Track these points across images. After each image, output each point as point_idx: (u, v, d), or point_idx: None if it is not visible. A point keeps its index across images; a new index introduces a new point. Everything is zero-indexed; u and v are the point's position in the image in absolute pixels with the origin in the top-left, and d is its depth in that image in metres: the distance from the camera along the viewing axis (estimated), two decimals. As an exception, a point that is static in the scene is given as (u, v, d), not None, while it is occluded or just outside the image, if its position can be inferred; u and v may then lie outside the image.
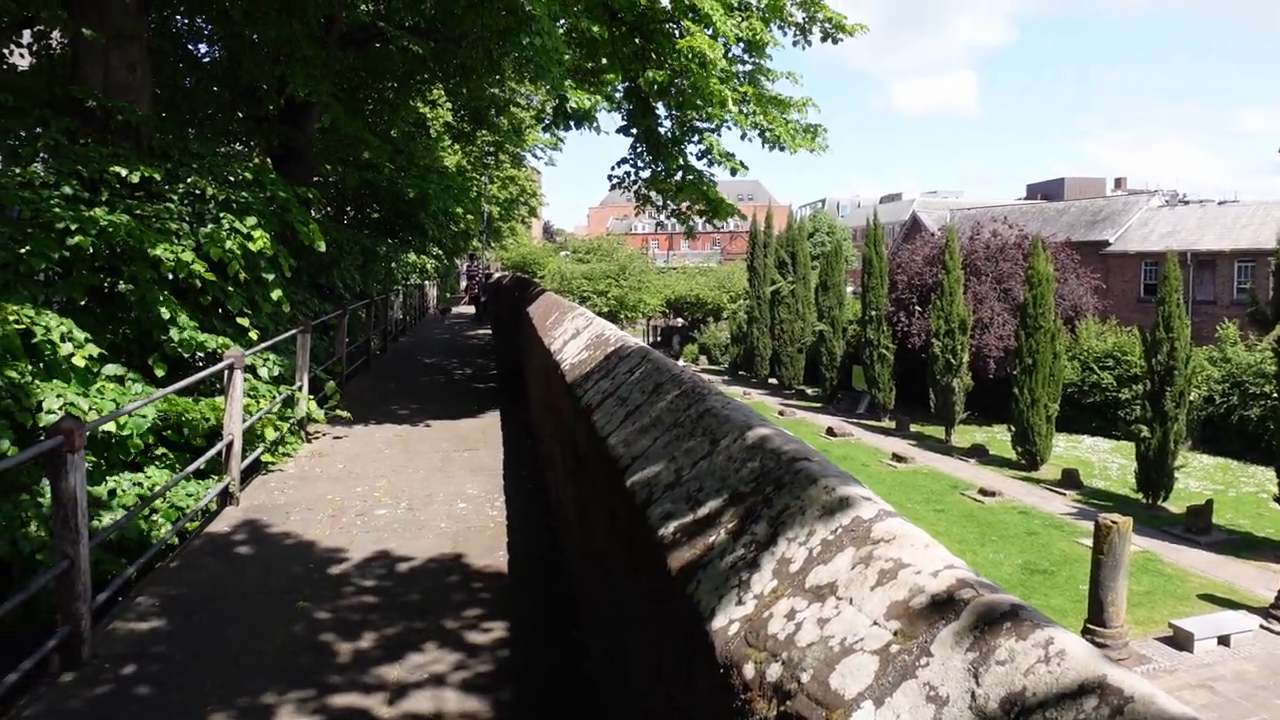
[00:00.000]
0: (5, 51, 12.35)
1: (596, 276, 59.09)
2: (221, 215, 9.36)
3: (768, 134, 11.31)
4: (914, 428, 41.18)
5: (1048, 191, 78.48)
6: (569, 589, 5.31)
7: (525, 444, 9.84)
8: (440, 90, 22.63)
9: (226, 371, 7.45)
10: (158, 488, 7.47)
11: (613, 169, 13.33)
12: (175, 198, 9.48)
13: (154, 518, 7.52)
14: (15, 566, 7.42)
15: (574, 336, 6.04)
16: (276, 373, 9.96)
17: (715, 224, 13.58)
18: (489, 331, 27.71)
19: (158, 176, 9.20)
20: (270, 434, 8.87)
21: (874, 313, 43.34)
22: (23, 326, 7.34)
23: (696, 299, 65.79)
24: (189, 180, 9.56)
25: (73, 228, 8.07)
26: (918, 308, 42.60)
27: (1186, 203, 50.07)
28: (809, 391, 51.08)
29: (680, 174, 12.61)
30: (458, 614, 5.28)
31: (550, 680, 4.48)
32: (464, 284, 53.48)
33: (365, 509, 7.50)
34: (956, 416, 39.58)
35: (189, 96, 16.12)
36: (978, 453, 35.92)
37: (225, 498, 7.55)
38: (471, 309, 40.71)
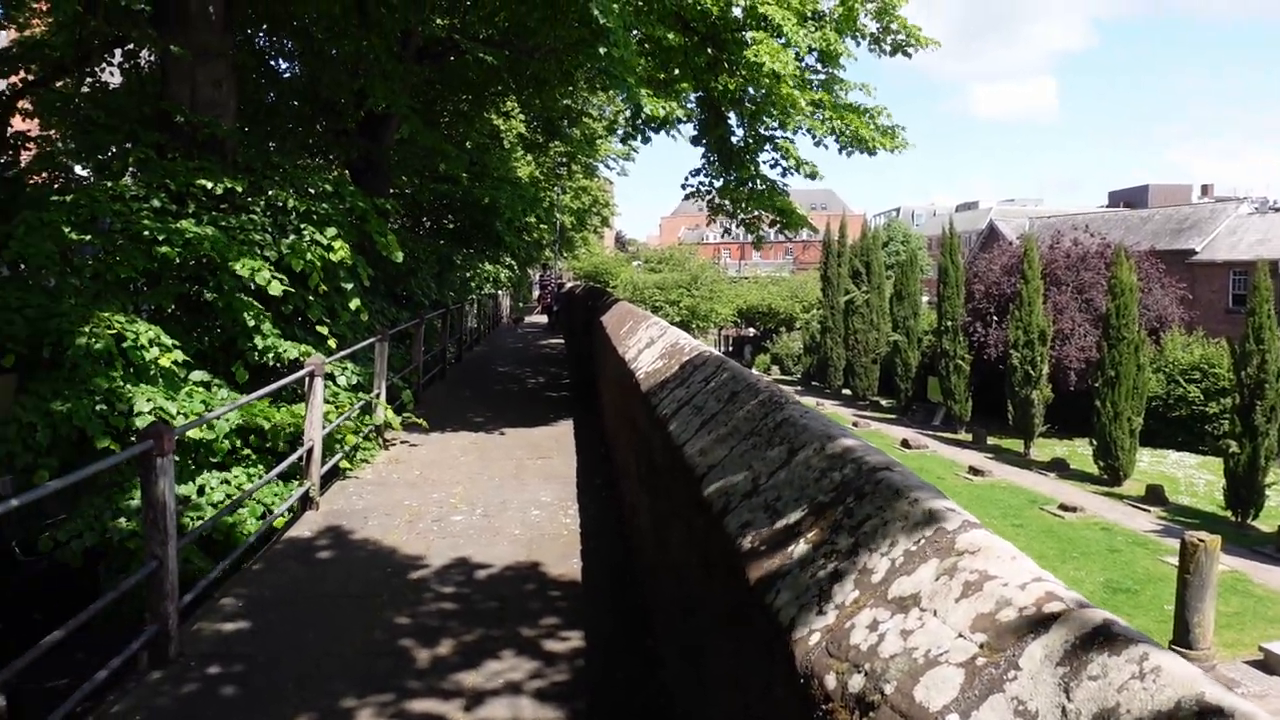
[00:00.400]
0: (98, 70, 12.83)
1: (669, 286, 59.03)
2: (302, 226, 9.59)
3: (845, 136, 11.21)
4: (991, 440, 40.40)
5: (1131, 199, 76.49)
6: (643, 597, 5.31)
7: (598, 452, 9.89)
8: (514, 102, 22.87)
9: (307, 379, 7.61)
10: (242, 490, 7.66)
11: (686, 178, 13.37)
12: (258, 209, 9.73)
13: (237, 520, 7.72)
14: (104, 562, 7.69)
15: (648, 345, 6.05)
16: (355, 381, 10.15)
17: (787, 234, 13.50)
18: (561, 340, 27.91)
19: (240, 189, 9.46)
20: (349, 440, 9.04)
21: (950, 323, 42.65)
22: (115, 332, 7.58)
23: (769, 309, 65.41)
24: (270, 193, 9.81)
25: (160, 238, 8.33)
26: (995, 318, 41.84)
27: (1277, 210, 48.34)
28: (883, 403, 50.45)
29: (752, 183, 12.58)
30: (534, 622, 5.31)
31: (626, 689, 4.49)
32: (537, 293, 53.90)
33: (441, 515, 7.60)
34: (1035, 429, 38.75)
35: (271, 112, 16.57)
36: (1058, 467, 35.11)
37: (306, 502, 7.71)
38: (544, 318, 41.06)
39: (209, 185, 9.47)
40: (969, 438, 41.49)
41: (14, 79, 11.89)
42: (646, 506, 4.89)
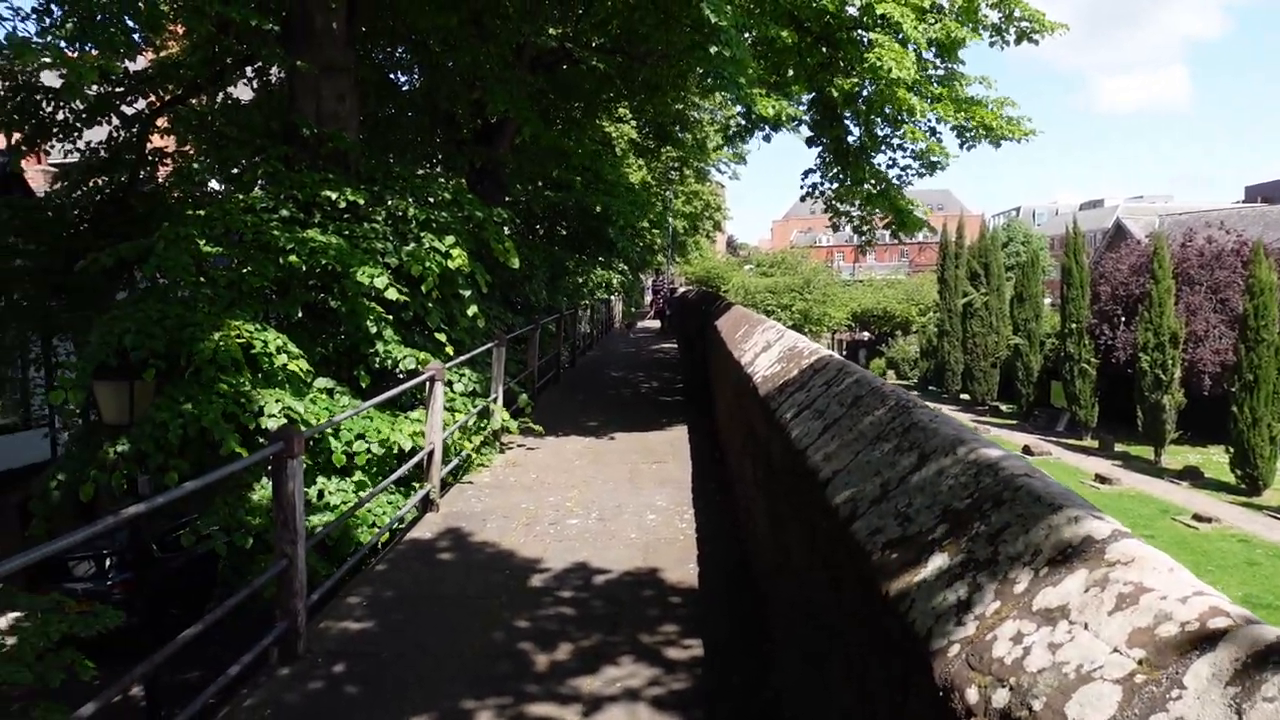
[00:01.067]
0: (230, 88, 13.39)
1: (780, 290, 58.55)
2: (422, 234, 9.80)
3: (967, 131, 10.91)
4: (1119, 447, 38.93)
5: (1269, 194, 72.68)
6: (759, 601, 5.24)
7: (712, 457, 9.84)
8: (626, 108, 23.01)
9: (428, 383, 7.78)
10: (364, 493, 7.87)
11: (802, 179, 13.23)
12: (379, 218, 9.99)
13: (356, 523, 7.93)
14: (233, 559, 7.98)
15: (765, 349, 5.98)
16: (471, 387, 10.33)
17: (900, 237, 13.23)
18: (674, 345, 27.95)
19: (362, 201, 9.72)
20: (467, 445, 9.21)
21: (1074, 325, 41.29)
22: (244, 340, 7.87)
23: (884, 312, 64.38)
24: (391, 202, 10.06)
25: (287, 248, 8.62)
26: (1123, 320, 40.30)
27: None
28: (1003, 408, 49.09)
29: (868, 184, 12.36)
30: (651, 628, 5.30)
31: (742, 696, 4.43)
32: (649, 298, 54.10)
33: (558, 518, 7.67)
34: (1167, 436, 37.22)
35: (390, 124, 17.03)
36: (1191, 475, 33.63)
37: (426, 504, 7.87)
38: (656, 323, 41.19)
39: (333, 196, 9.77)
40: (1095, 444, 40.03)
41: (151, 98, 12.50)
42: (763, 510, 4.83)
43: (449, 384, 10.04)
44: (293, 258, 8.65)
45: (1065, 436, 42.11)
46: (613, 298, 35.24)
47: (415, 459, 7.73)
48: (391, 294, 8.84)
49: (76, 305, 12.60)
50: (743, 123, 14.90)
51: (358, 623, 5.50)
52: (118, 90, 11.91)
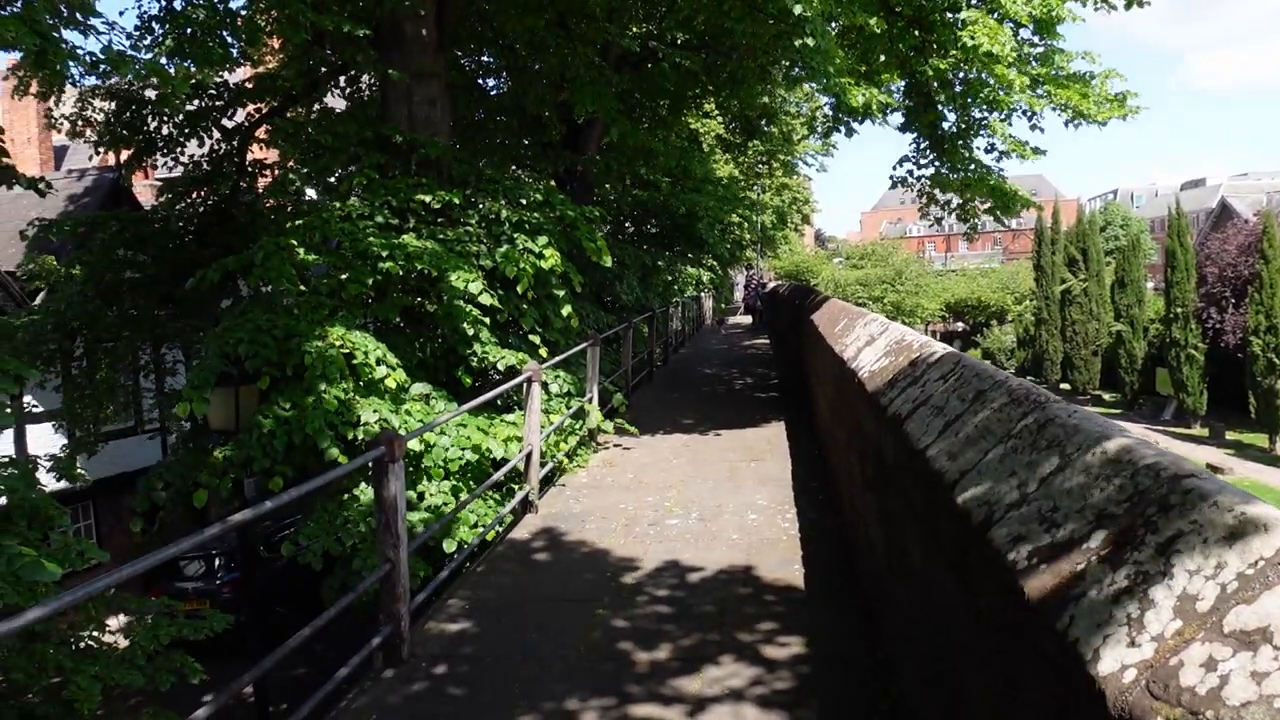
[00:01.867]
0: (324, 98, 13.62)
1: (871, 282, 57.91)
2: (515, 235, 9.81)
3: (1068, 110, 10.46)
4: (1230, 435, 37.48)
5: (1388, 165, 69.28)
6: (869, 604, 5.06)
7: (812, 454, 9.64)
8: (711, 103, 22.85)
9: (526, 384, 7.75)
10: (464, 496, 7.89)
11: (894, 168, 12.88)
12: (472, 221, 10.03)
13: (456, 524, 7.94)
14: (337, 560, 8.07)
15: (869, 343, 5.78)
16: (567, 389, 10.31)
17: (1004, 220, 12.77)
18: (766, 341, 27.66)
19: (457, 201, 9.76)
20: (563, 446, 9.17)
21: (1180, 310, 39.92)
22: (347, 350, 7.95)
23: (978, 301, 63.18)
24: (484, 204, 10.09)
25: (383, 254, 8.69)
26: (1232, 302, 38.75)
27: None
28: (1106, 397, 47.70)
29: (965, 170, 11.96)
30: (752, 627, 5.16)
31: (853, 701, 4.27)
32: (740, 294, 53.86)
33: (657, 519, 7.56)
34: (1281, 422, 35.79)
35: (479, 128, 17.16)
36: (1305, 463, 32.26)
37: (525, 506, 7.85)
38: (748, 319, 40.89)
39: (427, 200, 9.83)
40: (1205, 432, 38.59)
41: (250, 110, 12.78)
42: (874, 510, 4.65)
43: (544, 385, 10.04)
44: (389, 264, 8.72)
45: (1173, 425, 40.68)
46: (703, 294, 35.08)
47: (512, 462, 7.71)
48: (486, 299, 8.85)
49: (184, 315, 12.97)
50: (830, 114, 14.58)
51: (459, 625, 5.47)
52: (217, 104, 12.21)
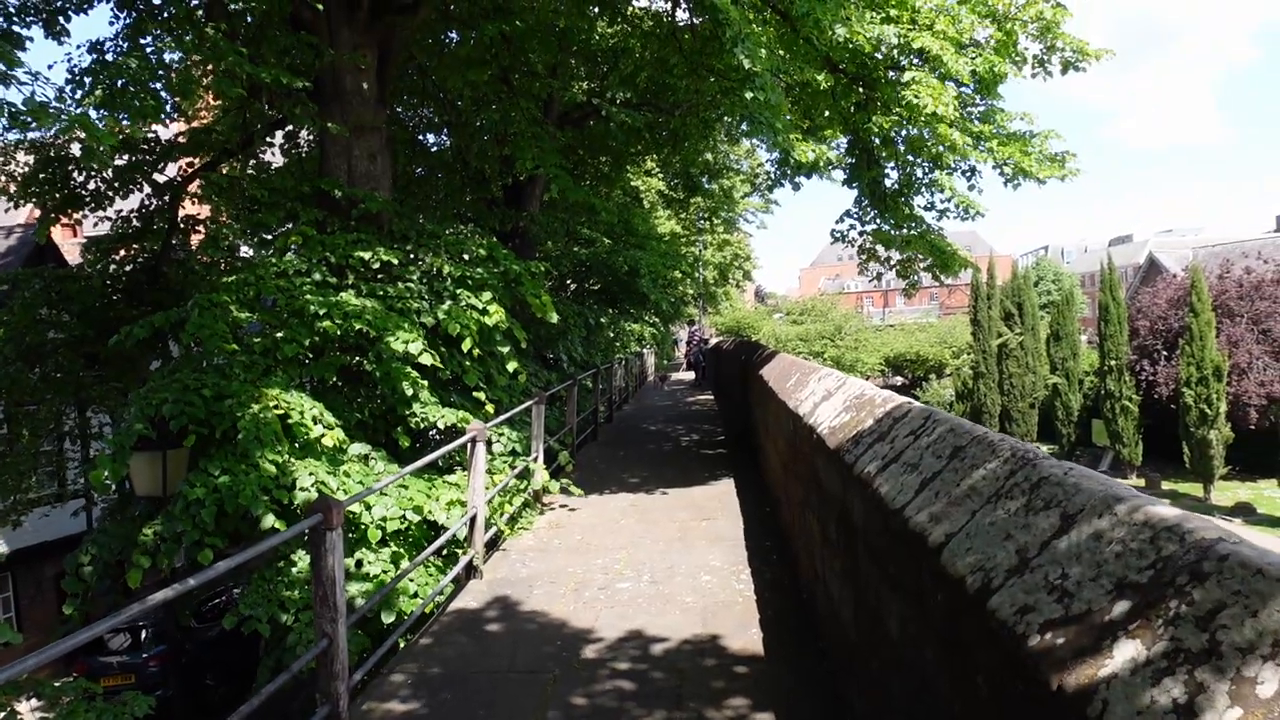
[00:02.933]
0: (260, 153, 13.34)
1: (812, 338, 58.37)
2: (458, 291, 9.58)
3: (1007, 168, 10.56)
4: (1165, 485, 38.08)
5: (1301, 222, 72.18)
6: (837, 674, 4.84)
7: (764, 511, 9.44)
8: (654, 160, 22.98)
9: (470, 445, 7.47)
10: (405, 564, 7.56)
11: (836, 222, 12.90)
12: (414, 277, 9.79)
13: (400, 593, 7.60)
14: (271, 636, 7.66)
15: (825, 398, 5.63)
16: (510, 447, 10.03)
17: (942, 278, 12.83)
18: (710, 396, 27.56)
19: (395, 260, 9.52)
20: (508, 507, 8.88)
21: (1114, 362, 40.69)
22: (282, 411, 7.62)
23: (916, 356, 63.78)
24: (426, 260, 9.86)
25: (320, 313, 8.40)
26: (1164, 355, 39.60)
27: None
28: (1043, 449, 47.74)
29: (906, 226, 12.04)
30: (718, 703, 4.90)
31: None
32: (682, 350, 53.90)
33: (607, 582, 7.29)
34: (1216, 472, 36.51)
35: (421, 184, 16.98)
36: (1243, 511, 32.86)
37: (470, 571, 7.53)
38: (690, 375, 40.85)
39: (366, 256, 9.59)
40: (1141, 483, 39.14)
41: (183, 164, 12.44)
42: (838, 572, 4.46)
43: (488, 444, 9.76)
44: (326, 323, 8.44)
45: (1110, 476, 41.18)
46: (645, 351, 35.00)
47: (456, 526, 7.40)
48: (426, 359, 8.59)
49: (112, 377, 12.49)
50: (776, 171, 14.64)
51: (403, 703, 5.14)
52: (148, 158, 11.86)
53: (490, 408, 9.74)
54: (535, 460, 10.07)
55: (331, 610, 4.55)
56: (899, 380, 68.08)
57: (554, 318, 10.25)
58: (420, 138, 17.64)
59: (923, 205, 12.02)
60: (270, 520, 7.22)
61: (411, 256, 10.01)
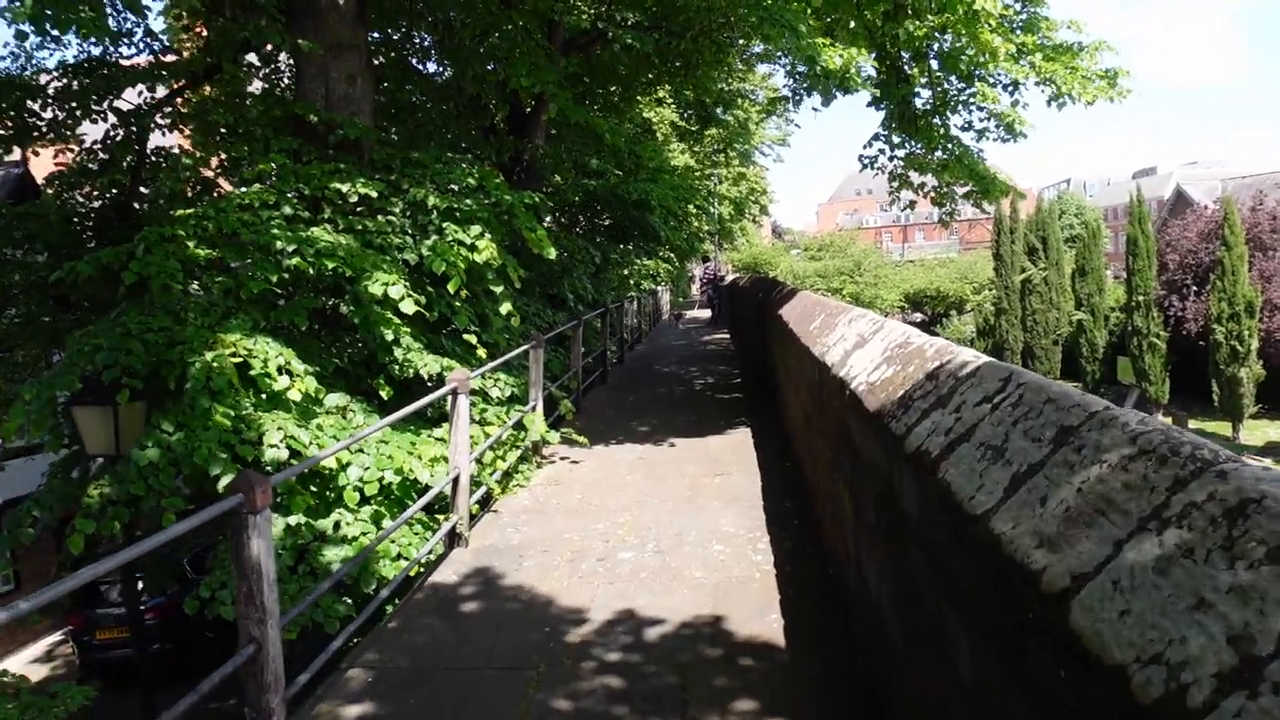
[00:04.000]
0: (241, 79, 12.30)
1: (830, 274, 57.62)
2: (444, 226, 8.66)
3: (1053, 86, 9.43)
4: (1193, 424, 37.23)
5: (1329, 153, 69.92)
6: (869, 671, 4.02)
7: (783, 466, 8.57)
8: (666, 90, 21.88)
9: (450, 397, 6.60)
10: (387, 523, 6.79)
11: (864, 147, 11.76)
12: (396, 210, 8.87)
13: (381, 556, 6.82)
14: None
15: (859, 345, 4.71)
16: (509, 393, 9.20)
17: (983, 206, 11.70)
18: (726, 335, 26.63)
19: (374, 193, 8.60)
20: (501, 464, 8.04)
21: (1141, 298, 39.57)
22: (240, 359, 6.78)
23: (937, 292, 62.88)
24: (409, 191, 8.92)
25: (289, 249, 7.52)
26: (1193, 290, 38.44)
27: None
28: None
29: (941, 149, 10.90)
30: (724, 706, 4.09)
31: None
32: (697, 287, 53.03)
33: (607, 552, 6.46)
34: (1245, 410, 35.73)
35: (414, 111, 15.92)
36: (1274, 451, 32.14)
37: (453, 539, 6.71)
38: (707, 312, 39.90)
39: (344, 188, 8.67)
40: (1168, 421, 38.24)
41: (150, 94, 11.43)
42: (878, 563, 3.61)
43: (482, 393, 8.92)
44: (296, 260, 7.55)
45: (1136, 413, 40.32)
46: (660, 288, 34.02)
47: (436, 489, 6.57)
48: (408, 305, 7.68)
49: (86, 321, 11.66)
50: (798, 88, 13.47)
51: (358, 707, 4.35)
52: (103, 83, 10.79)
53: (483, 352, 8.88)
54: (533, 409, 9.22)
55: (259, 610, 3.74)
56: (919, 316, 67.04)
57: (551, 253, 9.31)
58: (415, 63, 16.52)
59: (960, 125, 10.92)
60: (230, 478, 6.41)
61: (395, 188, 9.07)
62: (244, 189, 8.60)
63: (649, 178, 19.58)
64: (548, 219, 20.98)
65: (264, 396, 7.07)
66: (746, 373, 15.60)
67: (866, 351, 4.46)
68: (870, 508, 3.73)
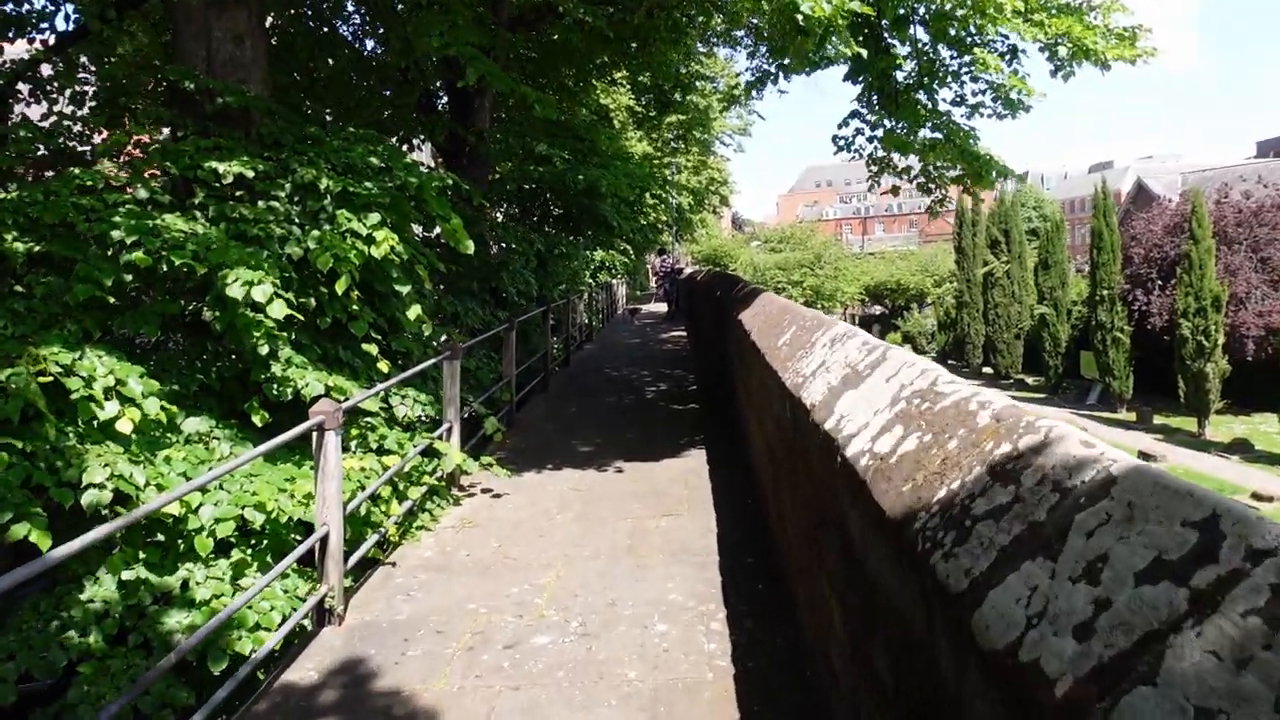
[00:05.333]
0: (117, 41, 10.65)
1: (791, 266, 57.14)
2: (338, 213, 7.15)
3: (1062, 49, 8.04)
4: (1158, 419, 36.55)
5: (1280, 148, 70.27)
6: None
7: (744, 504, 7.16)
8: (622, 74, 20.65)
9: (315, 435, 5.10)
10: (251, 580, 5.33)
11: (839, 128, 10.27)
12: (281, 194, 7.35)
13: (233, 631, 5.34)
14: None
15: (850, 381, 3.29)
16: (418, 412, 7.72)
17: (975, 192, 10.30)
18: (683, 333, 25.20)
19: (249, 173, 7.07)
20: (396, 507, 6.53)
21: (1106, 291, 38.98)
22: (50, 379, 5.26)
23: (897, 284, 62.69)
24: (298, 171, 7.39)
25: (129, 240, 5.99)
26: (1158, 284, 37.84)
27: None
28: (1029, 381, 46.87)
29: (931, 125, 9.45)
30: None
31: None
32: (655, 281, 51.87)
33: (519, 634, 5.00)
34: (1211, 406, 35.20)
35: (346, 89, 14.36)
36: (1241, 448, 31.46)
37: (323, 615, 5.23)
38: (663, 307, 38.52)
39: (220, 168, 7.14)
40: (1132, 417, 37.55)
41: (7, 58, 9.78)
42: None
43: (386, 414, 7.44)
44: (137, 254, 6.03)
45: (1099, 409, 39.61)
46: (615, 282, 32.56)
47: (302, 548, 5.09)
48: (277, 309, 6.16)
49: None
50: (763, 64, 11.97)
51: None
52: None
53: (385, 365, 7.39)
54: (448, 431, 7.74)
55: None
56: (878, 309, 66.33)
57: (469, 247, 7.78)
58: (348, 36, 14.92)
59: (950, 100, 9.49)
60: (23, 531, 4.88)
61: (283, 168, 7.55)
62: (79, 170, 7.04)
63: (601, 164, 18.25)
64: (499, 209, 19.63)
65: (95, 425, 5.57)
66: (703, 378, 14.17)
67: (863, 394, 3.05)
68: (887, 669, 2.33)
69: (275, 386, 6.49)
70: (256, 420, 6.53)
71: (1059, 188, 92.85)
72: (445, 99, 15.06)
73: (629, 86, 23.30)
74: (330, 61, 13.61)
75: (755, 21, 17.15)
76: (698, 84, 23.88)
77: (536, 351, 13.92)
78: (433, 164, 16.67)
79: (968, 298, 48.74)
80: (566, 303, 17.14)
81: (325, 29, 13.11)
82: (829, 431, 3.09)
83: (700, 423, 10.73)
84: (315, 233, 6.90)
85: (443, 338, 8.25)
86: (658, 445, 9.55)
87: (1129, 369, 38.63)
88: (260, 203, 7.21)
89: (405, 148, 14.93)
